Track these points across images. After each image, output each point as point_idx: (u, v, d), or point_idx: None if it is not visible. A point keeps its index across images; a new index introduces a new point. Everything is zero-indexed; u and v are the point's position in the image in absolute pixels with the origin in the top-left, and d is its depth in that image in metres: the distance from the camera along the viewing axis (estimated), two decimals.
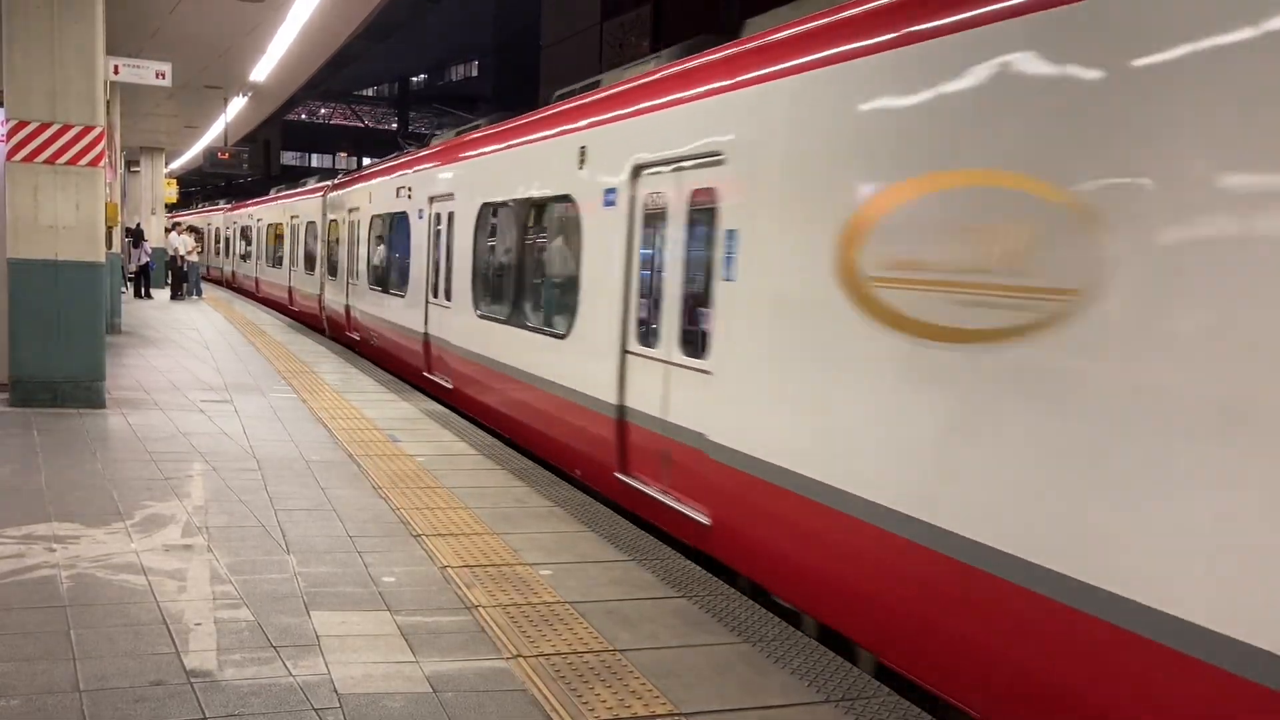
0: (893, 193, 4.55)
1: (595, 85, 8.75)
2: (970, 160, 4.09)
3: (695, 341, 6.40)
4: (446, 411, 10.74)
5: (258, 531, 6.01)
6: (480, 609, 4.92)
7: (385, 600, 4.98)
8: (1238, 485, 3.06)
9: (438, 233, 12.32)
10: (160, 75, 14.81)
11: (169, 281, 26.64)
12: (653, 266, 7.04)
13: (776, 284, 5.46)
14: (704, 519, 6.07)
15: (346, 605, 4.89)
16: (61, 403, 9.65)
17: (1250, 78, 3.06)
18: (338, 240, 19.45)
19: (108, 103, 12.35)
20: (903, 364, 4.43)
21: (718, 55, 6.41)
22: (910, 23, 4.52)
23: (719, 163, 6.05)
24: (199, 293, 26.92)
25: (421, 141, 17.68)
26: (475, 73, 58.40)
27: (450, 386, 11.58)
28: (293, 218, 23.69)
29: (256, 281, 29.03)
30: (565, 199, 8.41)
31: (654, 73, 7.39)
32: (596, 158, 7.85)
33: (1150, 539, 3.29)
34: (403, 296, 13.75)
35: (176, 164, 36.44)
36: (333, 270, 19.62)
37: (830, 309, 4.91)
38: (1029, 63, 3.84)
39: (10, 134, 9.44)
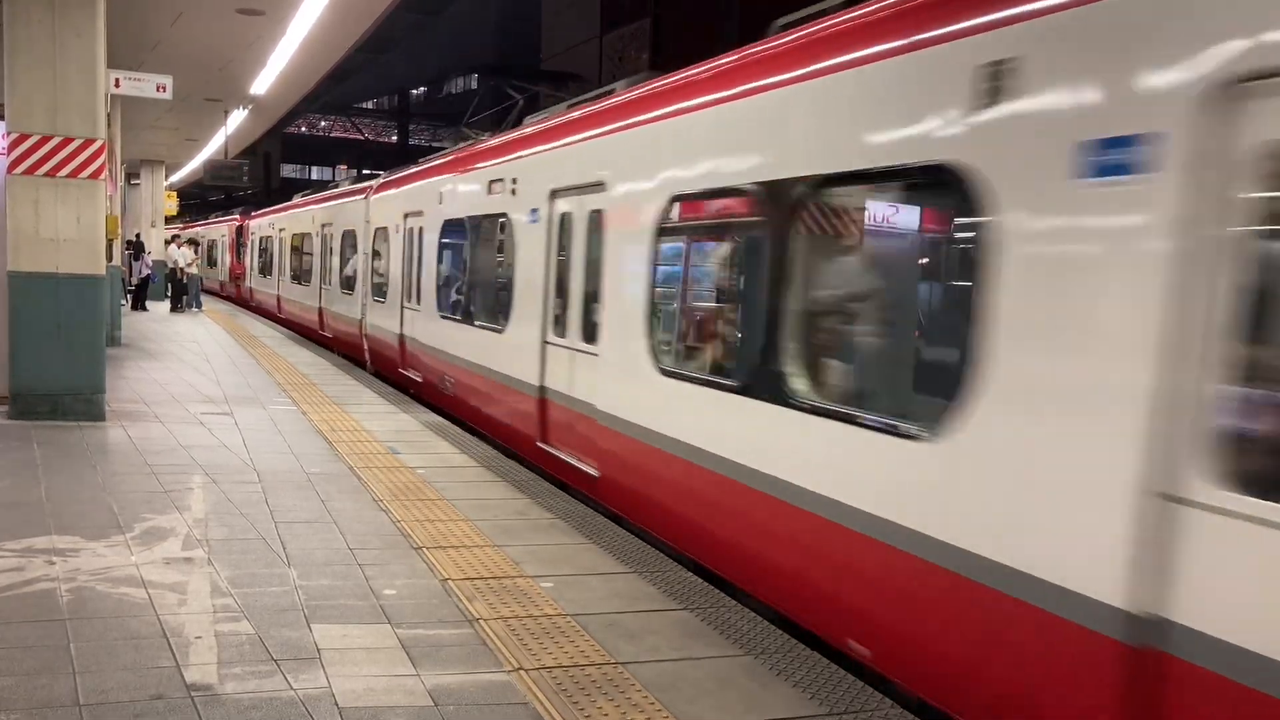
0: None
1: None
2: None
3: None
4: (446, 424, 10.73)
5: (258, 544, 6.00)
6: (481, 622, 4.90)
7: (386, 613, 4.97)
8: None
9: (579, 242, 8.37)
10: (161, 88, 14.90)
11: (169, 294, 26.67)
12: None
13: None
14: None
15: (347, 618, 4.87)
16: (61, 415, 9.64)
17: None
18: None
19: (108, 116, 12.38)
20: None
21: None
22: None
23: None
24: (199, 305, 26.93)
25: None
26: (475, 85, 58.54)
27: (596, 474, 7.53)
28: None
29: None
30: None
31: None
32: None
33: None
34: (500, 332, 9.94)
35: (177, 177, 36.51)
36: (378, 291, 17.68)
37: None
38: None
39: (11, 147, 9.45)
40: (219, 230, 39.62)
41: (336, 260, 18.76)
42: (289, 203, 26.80)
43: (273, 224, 27.10)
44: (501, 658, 4.48)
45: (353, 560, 5.79)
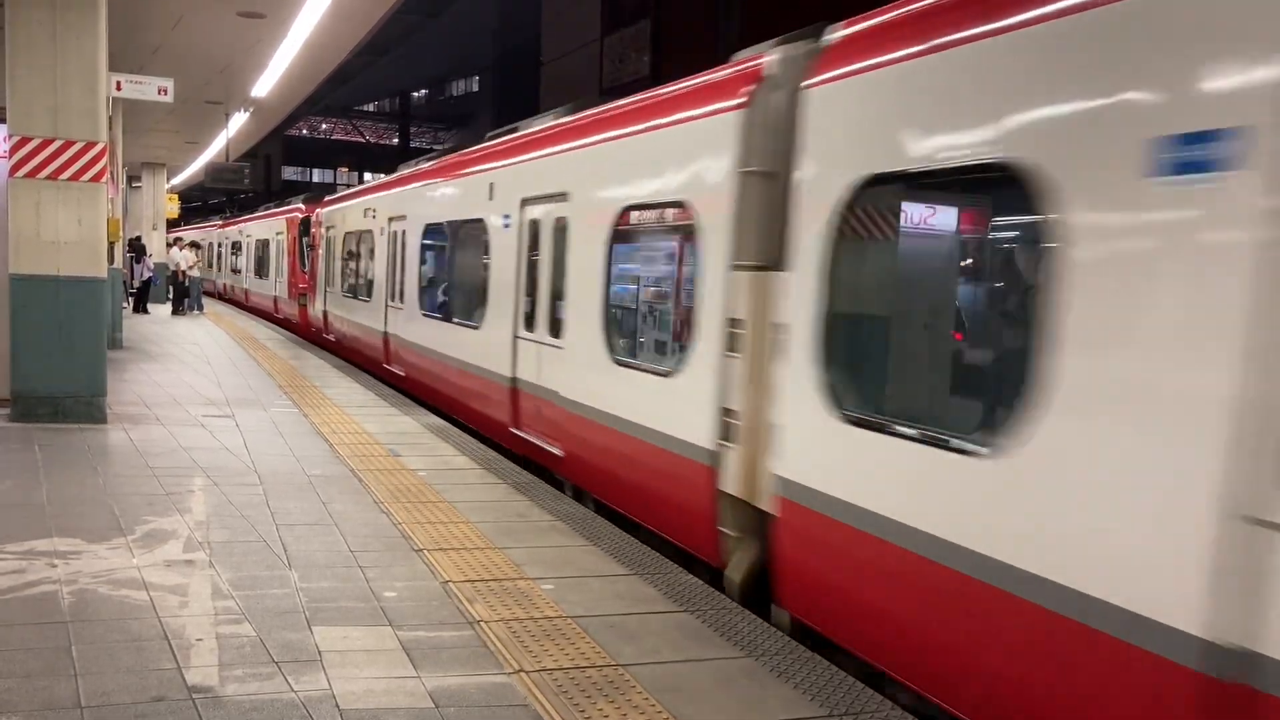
0: None
1: None
2: None
3: None
4: (447, 425, 10.73)
5: (259, 546, 6.00)
6: (482, 624, 4.91)
7: (387, 615, 4.98)
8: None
9: None
10: (162, 91, 14.95)
11: (170, 297, 26.69)
12: None
13: None
14: None
15: (348, 620, 4.88)
16: (63, 418, 9.65)
17: None
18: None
19: (110, 118, 12.40)
20: None
21: None
22: None
23: None
24: (200, 307, 26.95)
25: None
26: (476, 88, 58.60)
27: None
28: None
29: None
30: None
31: None
32: None
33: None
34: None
35: (178, 179, 36.55)
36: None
37: None
38: None
39: (13, 150, 9.47)
40: (269, 226, 27.45)
41: (572, 278, 8.32)
42: (411, 170, 14.76)
43: (370, 209, 16.23)
44: (502, 659, 4.49)
45: (354, 562, 5.79)
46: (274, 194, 48.37)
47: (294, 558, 5.82)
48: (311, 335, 21.38)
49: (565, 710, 4.00)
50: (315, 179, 66.56)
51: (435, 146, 58.43)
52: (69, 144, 9.54)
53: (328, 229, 20.00)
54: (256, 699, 3.96)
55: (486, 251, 10.47)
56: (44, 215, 9.56)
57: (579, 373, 8.08)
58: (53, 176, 9.53)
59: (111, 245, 14.96)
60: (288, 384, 13.30)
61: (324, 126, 66.89)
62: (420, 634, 4.74)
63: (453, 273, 12.13)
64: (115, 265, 17.01)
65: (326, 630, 4.73)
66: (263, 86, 17.98)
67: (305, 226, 23.15)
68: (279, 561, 5.74)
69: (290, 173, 66.18)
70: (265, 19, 13.17)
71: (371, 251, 16.03)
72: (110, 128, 12.86)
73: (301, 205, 24.36)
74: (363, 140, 65.61)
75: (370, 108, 65.89)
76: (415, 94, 62.99)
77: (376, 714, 3.90)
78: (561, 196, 8.55)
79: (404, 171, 15.20)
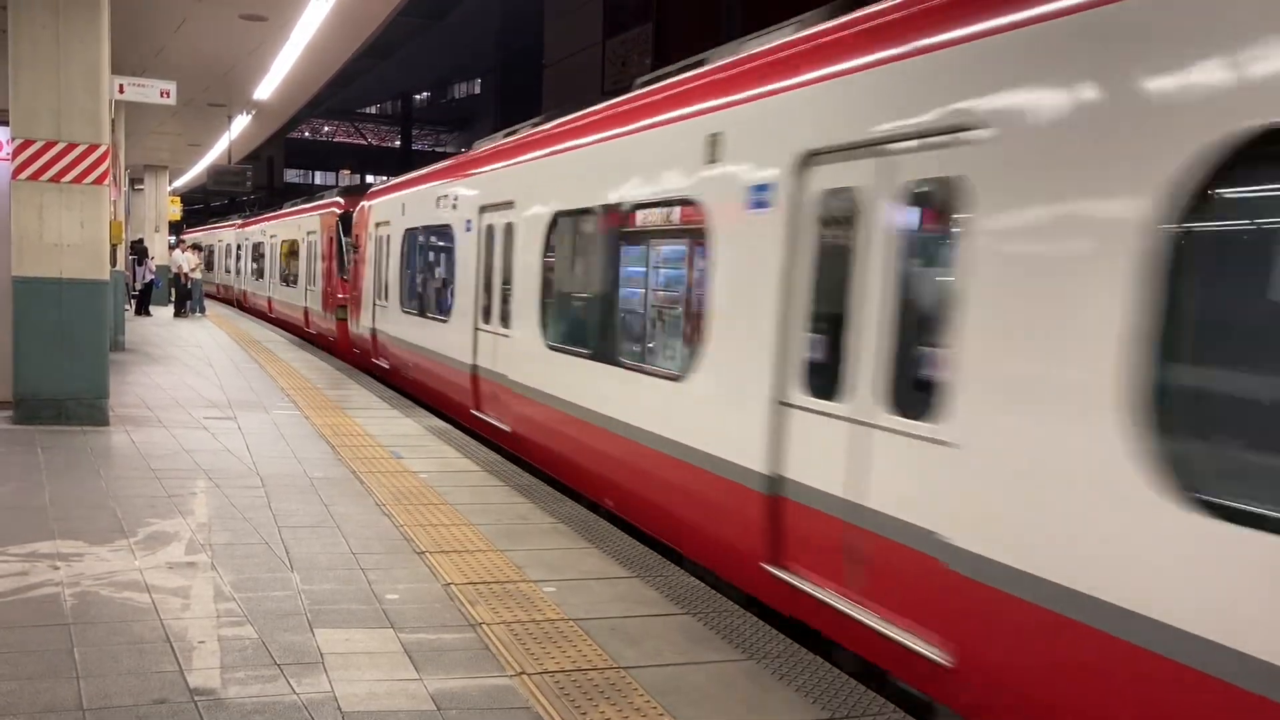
0: None
1: None
2: None
3: None
4: (449, 428, 10.74)
5: (261, 549, 6.01)
6: (484, 626, 4.91)
7: (389, 617, 4.98)
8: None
9: None
10: (164, 94, 14.97)
11: (172, 299, 26.72)
12: None
13: None
14: None
15: (350, 623, 4.88)
16: (65, 420, 9.66)
17: None
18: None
19: (112, 121, 12.42)
20: None
21: None
22: None
23: None
24: (202, 310, 26.97)
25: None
26: (478, 90, 58.67)
27: None
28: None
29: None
30: None
31: None
32: None
33: None
34: None
35: (180, 181, 36.59)
36: None
37: None
38: None
39: (16, 152, 9.48)
40: (298, 225, 23.44)
41: (980, 301, 4.03)
42: (517, 138, 10.49)
43: (448, 198, 12.26)
44: (504, 662, 4.49)
45: (355, 565, 5.80)
46: (277, 195, 48.32)
47: (296, 560, 5.82)
48: (354, 358, 17.20)
49: (566, 712, 4.00)
50: (317, 181, 66.66)
51: (437, 149, 58.51)
52: (71, 146, 9.55)
53: (377, 226, 15.88)
54: (258, 701, 3.97)
55: (700, 252, 6.44)
56: (46, 218, 9.57)
57: (1007, 500, 3.87)
58: (55, 179, 9.54)
59: (114, 248, 14.98)
60: (289, 386, 13.31)
61: (326, 129, 66.98)
62: (422, 636, 4.75)
63: (616, 288, 7.63)
64: (117, 268, 17.02)
65: (328, 632, 4.73)
66: (265, 89, 18.00)
67: (345, 224, 18.99)
68: (281, 564, 5.74)
69: (292, 175, 66.29)
70: (267, 21, 13.18)
71: (448, 255, 12.12)
72: (113, 130, 12.88)
73: (340, 199, 20.24)
74: (365, 142, 65.69)
75: (372, 110, 65.99)
76: (417, 96, 63.05)
77: (378, 716, 3.90)
78: (947, 141, 4.33)
79: (502, 142, 10.95)
